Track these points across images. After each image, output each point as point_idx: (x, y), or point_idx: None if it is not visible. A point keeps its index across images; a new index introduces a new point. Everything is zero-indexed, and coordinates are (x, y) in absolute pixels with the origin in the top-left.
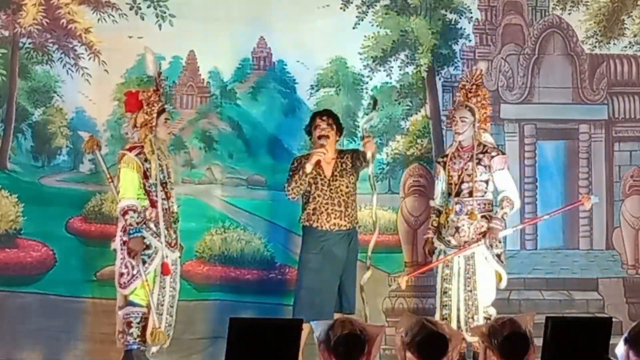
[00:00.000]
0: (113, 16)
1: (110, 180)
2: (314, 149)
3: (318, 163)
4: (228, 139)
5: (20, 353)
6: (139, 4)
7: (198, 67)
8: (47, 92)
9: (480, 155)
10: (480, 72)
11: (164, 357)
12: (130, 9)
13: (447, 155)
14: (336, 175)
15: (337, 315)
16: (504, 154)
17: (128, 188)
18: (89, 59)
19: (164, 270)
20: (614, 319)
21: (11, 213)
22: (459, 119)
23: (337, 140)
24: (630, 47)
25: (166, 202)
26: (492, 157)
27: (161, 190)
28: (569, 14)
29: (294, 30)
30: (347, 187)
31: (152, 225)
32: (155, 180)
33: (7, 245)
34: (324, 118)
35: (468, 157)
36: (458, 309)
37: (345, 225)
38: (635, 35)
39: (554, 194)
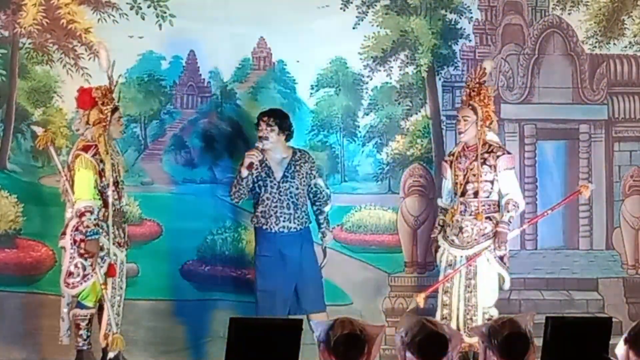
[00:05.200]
0: (113, 16)
1: (65, 178)
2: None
3: (250, 166)
4: (229, 139)
5: (20, 353)
6: (139, 4)
7: (198, 67)
8: (47, 92)
9: (486, 155)
10: (483, 71)
11: (163, 357)
12: (131, 9)
13: (453, 154)
14: (287, 177)
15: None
16: (509, 153)
17: (85, 189)
18: (89, 59)
19: (110, 271)
20: (614, 319)
21: (11, 213)
22: (462, 118)
23: (286, 139)
24: (630, 47)
25: (117, 202)
26: (498, 156)
27: (113, 190)
28: (569, 14)
29: (294, 30)
30: (297, 188)
31: (104, 225)
32: (108, 180)
33: (7, 246)
34: (265, 119)
35: (473, 156)
36: (458, 309)
37: (295, 227)
38: (635, 35)
39: (554, 194)
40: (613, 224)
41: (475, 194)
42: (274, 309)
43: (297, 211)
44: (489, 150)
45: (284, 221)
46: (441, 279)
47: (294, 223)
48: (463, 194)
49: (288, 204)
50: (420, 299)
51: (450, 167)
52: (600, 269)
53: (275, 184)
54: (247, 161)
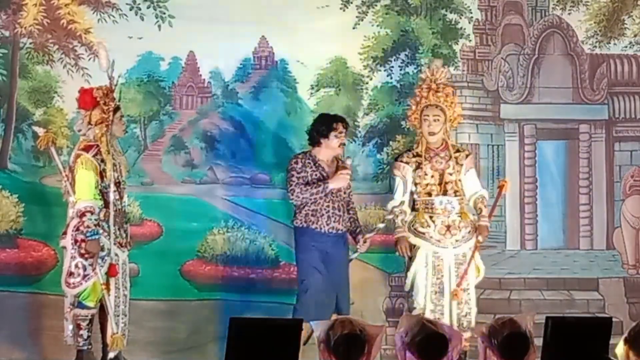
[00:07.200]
0: (113, 16)
1: (67, 178)
2: (340, 169)
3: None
4: (230, 139)
5: (21, 353)
6: (139, 4)
7: (198, 67)
8: (48, 92)
9: (456, 154)
10: (443, 71)
11: (164, 357)
12: (130, 10)
13: (419, 155)
14: None
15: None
16: (470, 152)
17: (85, 189)
18: (89, 59)
19: (111, 271)
20: (614, 319)
21: (12, 213)
22: (432, 119)
23: None
24: (630, 47)
25: (119, 202)
26: (467, 155)
27: (114, 190)
28: (569, 14)
29: (294, 30)
30: (344, 192)
31: (105, 225)
32: (109, 180)
33: (8, 245)
34: (343, 124)
35: (447, 156)
36: (451, 310)
37: (341, 229)
38: (635, 35)
39: (554, 194)
40: (613, 223)
41: (455, 193)
42: (322, 308)
43: (344, 214)
44: (456, 149)
45: (334, 222)
46: (462, 273)
47: (341, 225)
48: (444, 194)
49: (339, 205)
50: (458, 295)
51: (418, 167)
52: (601, 269)
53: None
54: (343, 183)
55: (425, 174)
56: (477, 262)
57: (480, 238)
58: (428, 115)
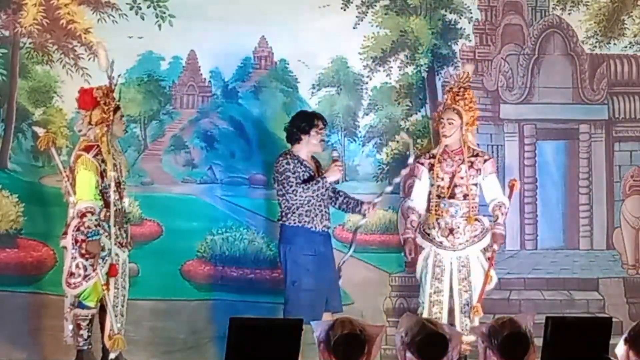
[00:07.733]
0: (113, 16)
1: (67, 178)
2: (334, 163)
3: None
4: (230, 138)
5: (21, 353)
6: (139, 4)
7: (199, 66)
8: (47, 92)
9: (472, 159)
10: (467, 75)
11: (164, 357)
12: (130, 9)
13: (434, 156)
14: (325, 177)
15: (326, 315)
16: (491, 157)
17: (86, 190)
18: (89, 59)
19: (112, 271)
20: (614, 319)
21: (12, 213)
22: (447, 121)
23: None
24: (630, 47)
25: (119, 202)
26: (485, 160)
27: (115, 191)
28: (569, 14)
29: (295, 30)
30: (328, 189)
31: (105, 225)
32: (110, 180)
33: (8, 245)
34: (323, 122)
35: (460, 159)
36: (450, 309)
37: (329, 227)
38: (635, 35)
39: (554, 194)
40: (613, 223)
41: (465, 197)
42: (315, 308)
43: (329, 210)
44: (474, 154)
45: (326, 220)
46: (484, 280)
47: (330, 222)
48: (452, 197)
49: (327, 203)
50: (478, 310)
51: (431, 169)
52: (601, 269)
53: None
54: (338, 176)
55: (438, 176)
56: (492, 272)
57: (495, 246)
58: (443, 118)
